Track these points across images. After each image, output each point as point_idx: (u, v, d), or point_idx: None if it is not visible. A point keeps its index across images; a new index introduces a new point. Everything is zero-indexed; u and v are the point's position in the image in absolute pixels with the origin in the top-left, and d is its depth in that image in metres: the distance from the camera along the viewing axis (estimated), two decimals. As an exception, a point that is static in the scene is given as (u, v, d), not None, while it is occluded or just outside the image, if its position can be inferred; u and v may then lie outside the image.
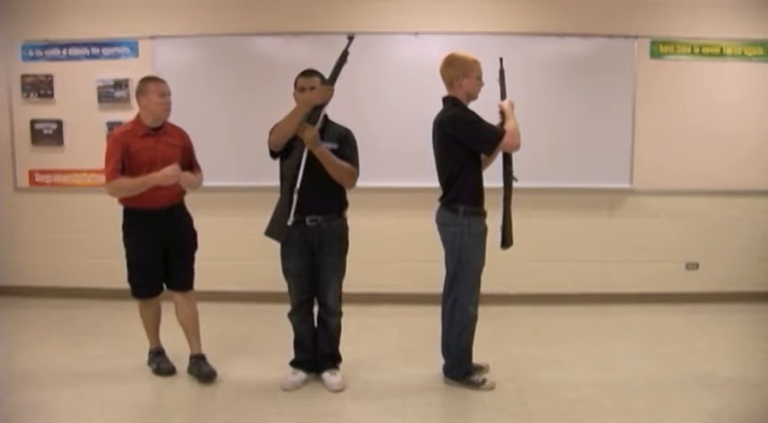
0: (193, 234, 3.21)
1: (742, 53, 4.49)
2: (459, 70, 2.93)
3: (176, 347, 3.25)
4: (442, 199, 3.02)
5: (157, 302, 3.21)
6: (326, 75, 2.86)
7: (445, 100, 3.01)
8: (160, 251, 3.07)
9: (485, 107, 2.97)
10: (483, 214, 2.99)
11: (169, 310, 3.21)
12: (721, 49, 4.48)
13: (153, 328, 3.25)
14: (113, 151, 2.96)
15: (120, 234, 3.09)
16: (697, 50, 4.48)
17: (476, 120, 2.90)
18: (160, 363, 3.21)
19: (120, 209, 3.09)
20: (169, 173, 2.93)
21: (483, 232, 2.99)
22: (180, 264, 3.13)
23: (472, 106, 2.97)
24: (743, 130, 4.52)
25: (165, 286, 3.17)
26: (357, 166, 2.94)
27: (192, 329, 3.17)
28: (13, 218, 4.71)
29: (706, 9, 4.45)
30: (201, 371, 3.07)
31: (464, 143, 2.91)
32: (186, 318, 3.17)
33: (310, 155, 2.80)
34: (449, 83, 2.97)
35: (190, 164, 3.16)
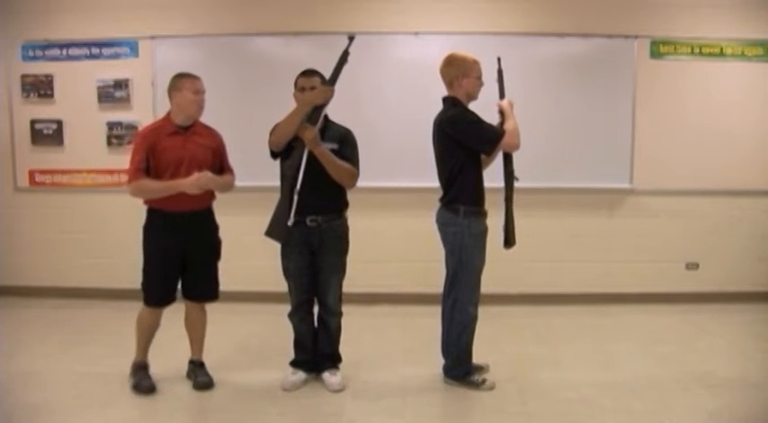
0: (216, 243, 3.06)
1: (742, 53, 4.49)
2: (458, 70, 2.93)
3: (181, 353, 3.20)
4: (442, 199, 3.02)
5: (161, 312, 3.02)
6: (327, 75, 2.86)
7: (445, 100, 3.01)
8: (177, 258, 2.93)
9: (485, 107, 2.98)
10: (483, 214, 2.99)
11: (179, 310, 3.12)
12: (721, 49, 4.48)
13: (146, 338, 3.04)
14: (138, 149, 2.86)
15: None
16: (697, 50, 4.48)
17: (476, 120, 2.90)
18: (141, 378, 2.98)
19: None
20: (195, 182, 2.79)
21: (483, 232, 2.98)
22: (198, 273, 2.99)
23: (472, 106, 2.97)
24: (743, 129, 4.53)
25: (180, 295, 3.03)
26: (357, 167, 2.94)
27: (196, 336, 3.10)
28: (13, 218, 4.71)
29: (706, 9, 4.45)
30: (198, 380, 3.01)
31: (464, 143, 2.91)
32: (194, 325, 3.09)
33: (311, 155, 2.79)
34: (449, 83, 2.97)
35: (221, 166, 3.02)
